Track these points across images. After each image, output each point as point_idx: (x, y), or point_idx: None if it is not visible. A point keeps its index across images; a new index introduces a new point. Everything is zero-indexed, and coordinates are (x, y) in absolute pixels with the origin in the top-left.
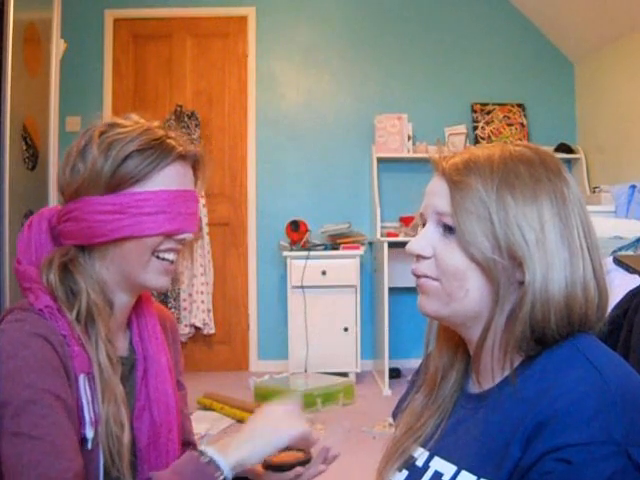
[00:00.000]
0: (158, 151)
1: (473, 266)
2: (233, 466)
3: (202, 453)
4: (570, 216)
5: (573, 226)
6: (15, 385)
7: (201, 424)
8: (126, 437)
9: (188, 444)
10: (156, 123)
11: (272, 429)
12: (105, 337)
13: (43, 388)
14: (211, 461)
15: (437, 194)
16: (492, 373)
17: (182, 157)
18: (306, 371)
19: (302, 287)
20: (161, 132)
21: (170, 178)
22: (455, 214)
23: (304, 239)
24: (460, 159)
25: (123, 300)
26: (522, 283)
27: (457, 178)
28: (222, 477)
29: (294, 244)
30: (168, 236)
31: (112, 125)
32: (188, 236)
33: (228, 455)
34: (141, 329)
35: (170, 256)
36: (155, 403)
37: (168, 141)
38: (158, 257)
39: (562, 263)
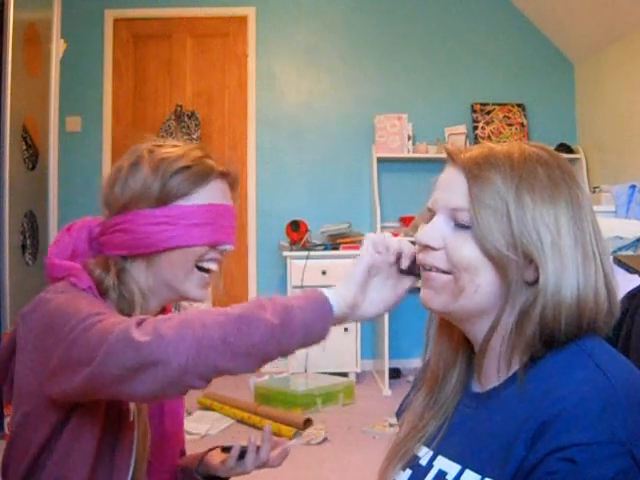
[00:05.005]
0: (201, 169)
1: (486, 261)
2: (337, 300)
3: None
4: (584, 221)
5: (586, 231)
6: (76, 309)
7: (201, 424)
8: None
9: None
10: (197, 144)
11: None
12: None
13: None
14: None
15: (451, 188)
16: (497, 372)
17: (222, 175)
18: (306, 371)
19: (302, 287)
20: (202, 152)
21: (212, 194)
22: (472, 207)
23: (304, 239)
24: (479, 153)
25: (153, 306)
26: (532, 283)
27: (477, 172)
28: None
29: (294, 244)
30: (213, 246)
31: (158, 146)
32: (230, 247)
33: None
34: None
35: (212, 266)
36: (168, 408)
37: (209, 160)
38: (201, 268)
39: (576, 267)
